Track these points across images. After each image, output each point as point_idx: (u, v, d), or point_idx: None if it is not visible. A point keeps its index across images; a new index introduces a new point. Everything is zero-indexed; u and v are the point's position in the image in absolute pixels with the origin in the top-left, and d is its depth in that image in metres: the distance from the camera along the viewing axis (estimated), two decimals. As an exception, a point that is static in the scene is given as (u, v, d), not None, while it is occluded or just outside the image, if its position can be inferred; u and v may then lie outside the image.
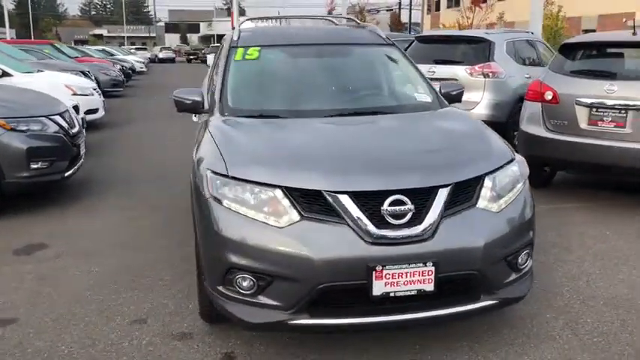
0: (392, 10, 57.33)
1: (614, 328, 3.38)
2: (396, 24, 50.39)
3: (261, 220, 2.78)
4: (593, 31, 31.27)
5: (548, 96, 5.80)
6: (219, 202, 2.90)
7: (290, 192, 2.79)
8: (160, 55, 58.26)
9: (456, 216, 2.83)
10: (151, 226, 5.30)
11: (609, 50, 6.09)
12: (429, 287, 2.75)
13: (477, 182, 2.94)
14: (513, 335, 3.29)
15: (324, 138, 3.32)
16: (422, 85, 4.16)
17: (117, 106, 15.07)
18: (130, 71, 22.68)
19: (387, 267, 2.69)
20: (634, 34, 5.78)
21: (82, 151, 6.43)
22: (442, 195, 2.82)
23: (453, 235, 2.79)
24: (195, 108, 3.93)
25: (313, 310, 2.77)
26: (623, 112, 5.34)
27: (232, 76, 4.00)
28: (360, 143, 3.24)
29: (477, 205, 2.90)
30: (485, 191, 2.94)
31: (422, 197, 2.80)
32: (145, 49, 57.11)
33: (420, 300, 2.79)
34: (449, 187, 2.85)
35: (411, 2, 63.73)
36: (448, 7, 38.40)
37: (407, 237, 2.73)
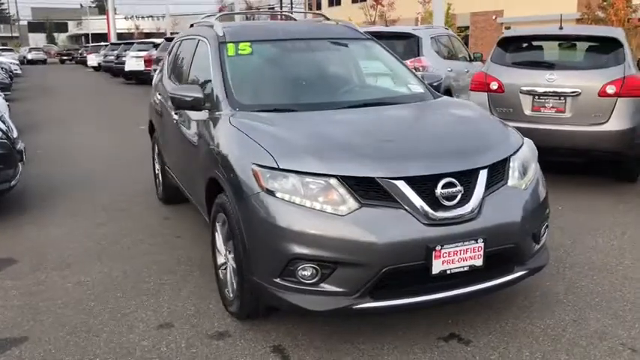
0: (273, 8, 57.70)
1: (606, 288, 3.79)
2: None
3: (320, 209, 2.83)
4: (467, 27, 33.65)
5: (494, 86, 6.27)
6: (272, 194, 2.90)
7: (345, 180, 2.86)
8: (29, 56, 54.04)
9: (494, 195, 3.05)
10: (120, 232, 5.07)
11: (544, 43, 6.68)
12: (479, 262, 2.95)
13: (505, 163, 3.19)
14: (528, 303, 3.59)
15: (356, 127, 3.40)
16: (411, 77, 4.36)
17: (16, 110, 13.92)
18: (11, 73, 20.94)
19: (444, 246, 2.85)
20: (560, 28, 6.42)
21: (24, 157, 5.97)
22: (483, 176, 3.04)
23: (495, 213, 3.01)
24: (196, 105, 3.84)
25: (376, 293, 2.86)
26: (562, 98, 5.90)
27: (231, 72, 3.96)
28: (394, 132, 3.37)
29: (508, 184, 3.15)
30: (512, 171, 3.20)
31: (468, 179, 2.99)
32: (11, 49, 52.67)
33: (469, 275, 2.98)
34: (487, 169, 3.06)
35: (291, 2, 64.17)
36: (353, 2, 39.29)
37: (459, 217, 2.91)
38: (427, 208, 2.86)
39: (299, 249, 2.82)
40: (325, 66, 4.38)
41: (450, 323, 3.34)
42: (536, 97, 6.04)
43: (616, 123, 5.76)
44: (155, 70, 6.74)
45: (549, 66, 6.14)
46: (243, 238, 3.06)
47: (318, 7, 46.03)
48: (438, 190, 2.89)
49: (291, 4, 61.44)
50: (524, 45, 6.69)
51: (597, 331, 3.27)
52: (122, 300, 3.76)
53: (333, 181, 2.86)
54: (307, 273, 2.85)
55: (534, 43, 6.71)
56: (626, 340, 3.18)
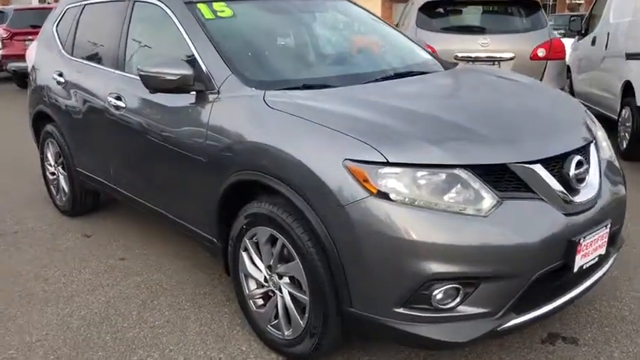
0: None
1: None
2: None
3: (457, 211, 2.16)
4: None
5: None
6: (386, 198, 2.16)
7: (475, 171, 2.23)
8: None
9: (602, 170, 2.66)
10: (83, 250, 3.80)
11: (467, 8, 6.50)
12: (603, 250, 2.54)
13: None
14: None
15: (442, 103, 2.71)
16: (414, 44, 3.80)
17: None
18: None
19: (586, 237, 2.38)
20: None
21: None
22: (594, 150, 2.63)
23: (609, 191, 2.62)
24: (183, 85, 2.85)
25: (518, 307, 2.30)
26: (496, 63, 5.78)
27: (223, 41, 3.02)
28: (483, 106, 2.75)
29: (604, 156, 2.77)
30: (600, 141, 2.84)
31: (586, 155, 2.54)
32: None
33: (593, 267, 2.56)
34: (593, 141, 2.66)
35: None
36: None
37: (592, 200, 2.46)
38: (566, 196, 2.35)
39: (437, 266, 2.13)
40: (327, 30, 3.60)
41: (540, 324, 2.91)
42: (472, 63, 5.84)
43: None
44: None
45: (480, 30, 5.98)
46: (336, 261, 2.27)
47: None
48: (572, 171, 2.39)
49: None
50: (448, 9, 6.46)
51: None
52: (147, 328, 2.70)
53: (463, 173, 2.20)
54: (445, 296, 2.18)
55: (457, 8, 6.51)
56: None
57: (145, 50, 3.50)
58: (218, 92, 2.82)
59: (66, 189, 4.48)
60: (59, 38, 4.41)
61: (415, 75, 3.19)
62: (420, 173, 2.19)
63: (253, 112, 2.64)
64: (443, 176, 2.19)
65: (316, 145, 2.34)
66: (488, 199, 2.19)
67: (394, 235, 2.13)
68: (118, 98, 3.48)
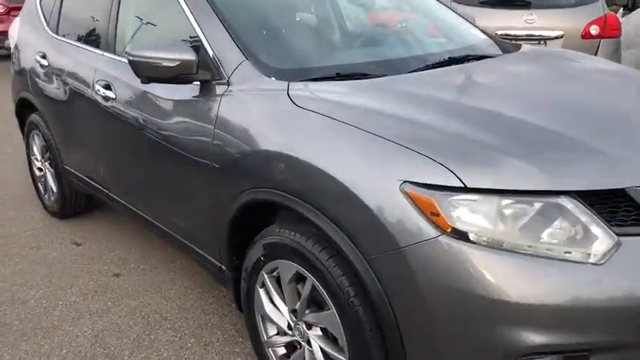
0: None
1: None
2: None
3: (555, 256, 1.55)
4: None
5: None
6: (463, 238, 1.54)
7: (583, 199, 1.60)
8: None
9: None
10: (70, 262, 3.23)
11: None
12: None
13: None
14: None
15: (521, 100, 2.05)
16: (462, 19, 3.14)
17: None
18: None
19: None
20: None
21: None
22: None
23: None
24: (183, 74, 2.24)
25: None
26: (542, 42, 5.09)
27: (234, 18, 2.38)
28: (577, 105, 2.10)
29: None
30: None
31: None
32: None
33: None
34: None
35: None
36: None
37: None
38: None
39: (535, 336, 1.53)
40: (360, 5, 2.95)
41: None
42: (513, 42, 5.13)
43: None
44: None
45: (525, 5, 5.26)
46: (389, 320, 1.67)
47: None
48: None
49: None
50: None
51: None
52: None
53: (568, 203, 1.58)
54: (542, 375, 1.58)
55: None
56: None
57: (138, 28, 2.87)
58: (228, 83, 2.20)
59: (54, 188, 3.89)
60: (43, 13, 3.79)
61: (473, 60, 2.55)
62: (509, 202, 1.57)
63: (274, 111, 2.02)
64: (541, 207, 1.57)
65: (362, 161, 1.72)
66: (602, 239, 1.57)
67: (473, 291, 1.52)
68: (107, 87, 2.87)
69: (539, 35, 5.11)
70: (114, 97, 2.81)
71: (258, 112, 2.06)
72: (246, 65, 2.19)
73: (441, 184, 1.56)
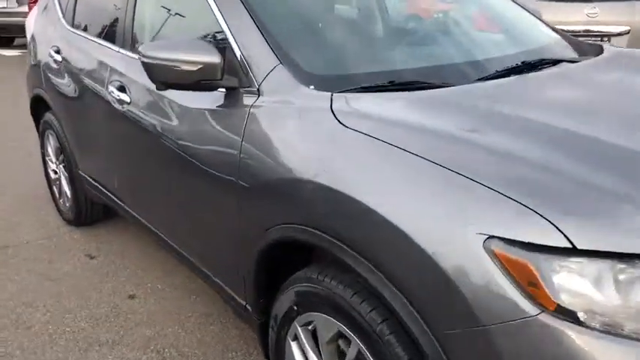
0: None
1: None
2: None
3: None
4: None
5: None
6: (571, 318, 1.14)
7: None
8: None
9: None
10: (83, 279, 2.93)
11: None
12: None
13: None
14: None
15: (623, 126, 1.64)
16: (529, 15, 2.70)
17: None
18: None
19: None
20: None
21: None
22: None
23: None
24: (206, 79, 1.87)
25: None
26: (604, 38, 4.58)
27: (266, 13, 2.01)
28: None
29: None
30: None
31: None
32: None
33: None
34: None
35: None
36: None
37: None
38: None
39: None
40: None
41: None
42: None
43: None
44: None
45: (587, -3, 4.76)
46: None
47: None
48: None
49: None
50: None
51: None
52: None
53: None
54: None
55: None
56: None
57: (157, 23, 2.52)
58: (258, 92, 1.83)
59: (68, 194, 3.59)
60: (59, 2, 3.46)
61: (549, 66, 2.11)
62: (624, 267, 1.16)
63: (313, 131, 1.64)
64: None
65: (432, 204, 1.32)
66: None
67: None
68: (122, 89, 2.52)
69: (601, 31, 4.61)
70: (128, 100, 2.46)
71: (294, 130, 1.68)
72: (281, 71, 1.81)
73: (542, 243, 1.16)
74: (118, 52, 2.66)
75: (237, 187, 1.82)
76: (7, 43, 11.26)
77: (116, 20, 2.78)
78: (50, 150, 3.73)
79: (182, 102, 2.12)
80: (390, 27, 2.49)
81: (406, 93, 1.70)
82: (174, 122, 2.16)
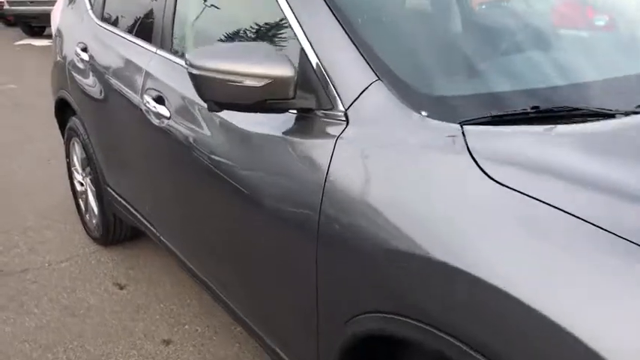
0: None
1: None
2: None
3: None
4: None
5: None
6: None
7: None
8: None
9: None
10: (110, 315, 2.51)
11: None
12: None
13: None
14: None
15: None
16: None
17: None
18: None
19: None
20: None
21: None
22: None
23: None
24: (273, 98, 1.38)
25: None
26: None
27: (354, 10, 1.50)
28: None
29: None
30: None
31: None
32: None
33: None
34: None
35: None
36: None
37: None
38: None
39: None
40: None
41: None
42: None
43: None
44: None
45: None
46: None
47: None
48: None
49: None
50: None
51: None
52: None
53: None
54: None
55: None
56: None
57: (204, 18, 2.04)
58: (346, 119, 1.33)
59: (95, 210, 3.16)
60: (87, -7, 3.01)
61: None
62: None
63: (443, 185, 1.13)
64: None
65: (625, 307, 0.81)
66: None
67: None
68: (160, 100, 2.05)
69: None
70: (168, 115, 1.99)
71: (407, 183, 1.18)
72: (380, 90, 1.31)
73: None
74: (155, 53, 2.19)
75: (314, 248, 1.34)
76: (38, 32, 10.98)
77: (153, 14, 2.31)
78: (76, 160, 3.30)
79: (239, 123, 1.64)
80: (529, 29, 1.94)
81: (569, 127, 1.18)
82: (228, 148, 1.68)
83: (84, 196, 3.31)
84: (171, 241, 2.32)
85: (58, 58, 3.25)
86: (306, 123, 1.43)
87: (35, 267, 3.07)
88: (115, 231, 3.11)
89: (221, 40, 1.82)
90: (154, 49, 2.21)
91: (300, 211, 1.37)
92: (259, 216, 1.54)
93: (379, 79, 1.33)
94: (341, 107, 1.36)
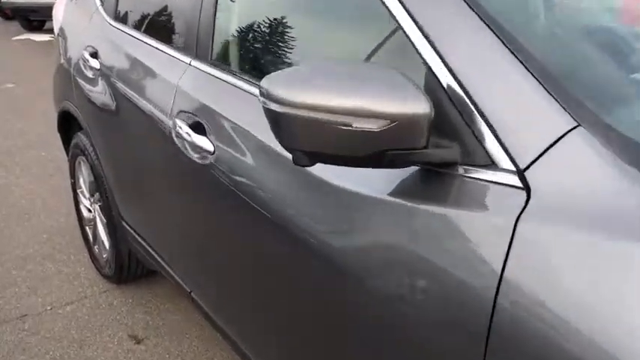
0: None
1: None
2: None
3: None
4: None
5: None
6: None
7: None
8: None
9: None
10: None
11: None
12: None
13: None
14: None
15: None
16: None
17: None
18: None
19: None
20: None
21: None
22: None
23: None
24: (398, 148, 0.88)
25: None
26: None
27: (521, 23, 1.02)
28: None
29: None
30: None
31: None
32: None
33: None
34: None
35: None
36: None
37: None
38: None
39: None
40: None
41: None
42: None
43: None
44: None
45: None
46: None
47: None
48: None
49: None
50: None
51: None
52: None
53: None
54: None
55: None
56: None
57: (269, 24, 1.53)
58: (526, 186, 0.83)
59: (106, 243, 2.67)
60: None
61: None
62: None
63: None
64: None
65: None
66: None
67: None
68: (199, 128, 1.55)
69: None
70: (211, 149, 1.49)
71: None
72: (584, 140, 0.82)
73: None
74: (190, 65, 1.69)
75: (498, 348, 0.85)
76: (37, 27, 10.46)
77: (183, 13, 1.81)
78: (82, 182, 2.81)
79: (320, 173, 1.14)
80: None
81: None
82: (311, 211, 1.18)
83: (92, 224, 2.82)
84: (197, 294, 1.83)
85: (62, 61, 2.75)
86: (443, 184, 0.94)
87: (34, 312, 2.59)
88: (130, 269, 2.62)
89: (296, 52, 1.32)
90: (187, 59, 1.71)
91: (452, 321, 0.88)
92: (365, 305, 1.05)
93: (580, 124, 0.83)
94: (508, 164, 0.87)
